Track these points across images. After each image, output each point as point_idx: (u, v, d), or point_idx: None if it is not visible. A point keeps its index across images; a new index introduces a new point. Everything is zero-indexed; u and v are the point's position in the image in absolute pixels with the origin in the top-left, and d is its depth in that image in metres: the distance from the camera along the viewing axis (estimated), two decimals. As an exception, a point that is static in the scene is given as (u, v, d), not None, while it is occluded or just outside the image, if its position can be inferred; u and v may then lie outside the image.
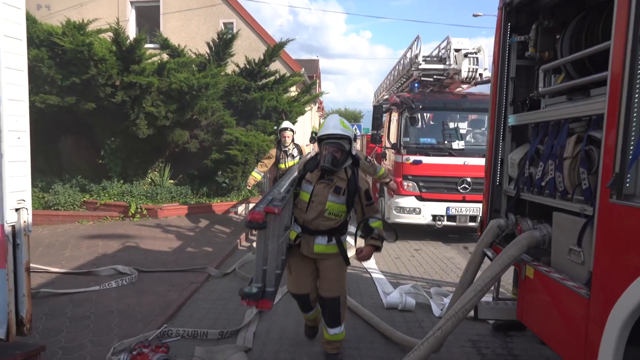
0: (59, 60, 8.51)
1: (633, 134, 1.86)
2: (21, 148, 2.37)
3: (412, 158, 8.30)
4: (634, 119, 1.85)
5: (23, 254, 2.38)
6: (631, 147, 1.86)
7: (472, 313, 4.15)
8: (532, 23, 3.14)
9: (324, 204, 3.25)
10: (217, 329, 4.05)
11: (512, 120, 3.22)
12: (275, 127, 9.87)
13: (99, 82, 8.28)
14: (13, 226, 2.32)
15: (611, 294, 1.85)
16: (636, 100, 1.84)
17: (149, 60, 9.19)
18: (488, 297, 4.57)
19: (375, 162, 6.11)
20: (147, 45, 9.76)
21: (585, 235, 2.16)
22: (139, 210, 9.05)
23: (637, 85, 1.84)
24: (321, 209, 3.26)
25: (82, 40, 7.98)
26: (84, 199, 9.37)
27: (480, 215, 3.72)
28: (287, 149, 7.26)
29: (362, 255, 3.34)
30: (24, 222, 2.36)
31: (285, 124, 7.46)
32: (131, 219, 8.96)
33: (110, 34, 8.97)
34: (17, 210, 2.32)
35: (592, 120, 2.34)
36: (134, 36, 9.66)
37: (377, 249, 3.33)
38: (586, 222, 2.17)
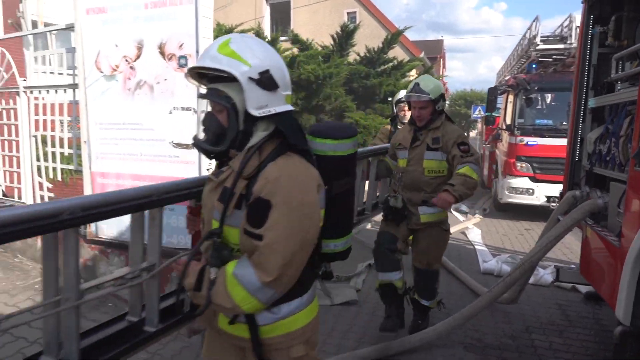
0: (214, 59, 10.39)
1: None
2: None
3: (526, 139, 8.39)
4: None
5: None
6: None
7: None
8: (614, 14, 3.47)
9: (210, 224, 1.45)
10: (335, 274, 5.12)
11: (591, 102, 3.61)
12: (389, 100, 8.92)
13: (243, 76, 9.95)
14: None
15: (630, 241, 2.38)
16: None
17: (283, 55, 10.63)
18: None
19: (475, 151, 3.16)
20: (280, 39, 11.25)
21: (624, 199, 2.65)
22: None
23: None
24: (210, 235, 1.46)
25: (231, 41, 9.68)
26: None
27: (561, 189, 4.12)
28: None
29: None
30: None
31: (402, 93, 5.09)
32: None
33: (251, 33, 10.60)
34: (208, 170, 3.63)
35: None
36: (269, 30, 11.27)
37: None
38: (626, 188, 2.66)
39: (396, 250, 3.28)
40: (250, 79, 1.34)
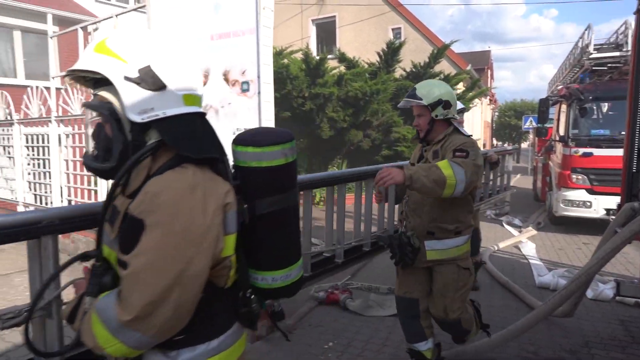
0: (264, 80, 10.94)
1: None
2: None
3: (582, 150, 8.16)
4: None
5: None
6: None
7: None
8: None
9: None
10: (387, 286, 5.22)
11: (648, 113, 3.58)
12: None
13: (293, 95, 10.37)
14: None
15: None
16: None
17: (330, 73, 10.97)
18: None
19: (474, 162, 2.50)
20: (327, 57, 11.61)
21: (684, 209, 2.64)
22: (322, 199, 10.93)
23: None
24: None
25: (281, 63, 10.14)
26: (281, 189, 11.70)
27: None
28: None
29: None
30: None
31: None
32: (316, 205, 10.91)
33: (300, 54, 11.03)
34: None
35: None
36: (315, 49, 11.72)
37: None
38: (685, 198, 2.64)
39: (419, 316, 2.85)
40: (127, 78, 1.09)
